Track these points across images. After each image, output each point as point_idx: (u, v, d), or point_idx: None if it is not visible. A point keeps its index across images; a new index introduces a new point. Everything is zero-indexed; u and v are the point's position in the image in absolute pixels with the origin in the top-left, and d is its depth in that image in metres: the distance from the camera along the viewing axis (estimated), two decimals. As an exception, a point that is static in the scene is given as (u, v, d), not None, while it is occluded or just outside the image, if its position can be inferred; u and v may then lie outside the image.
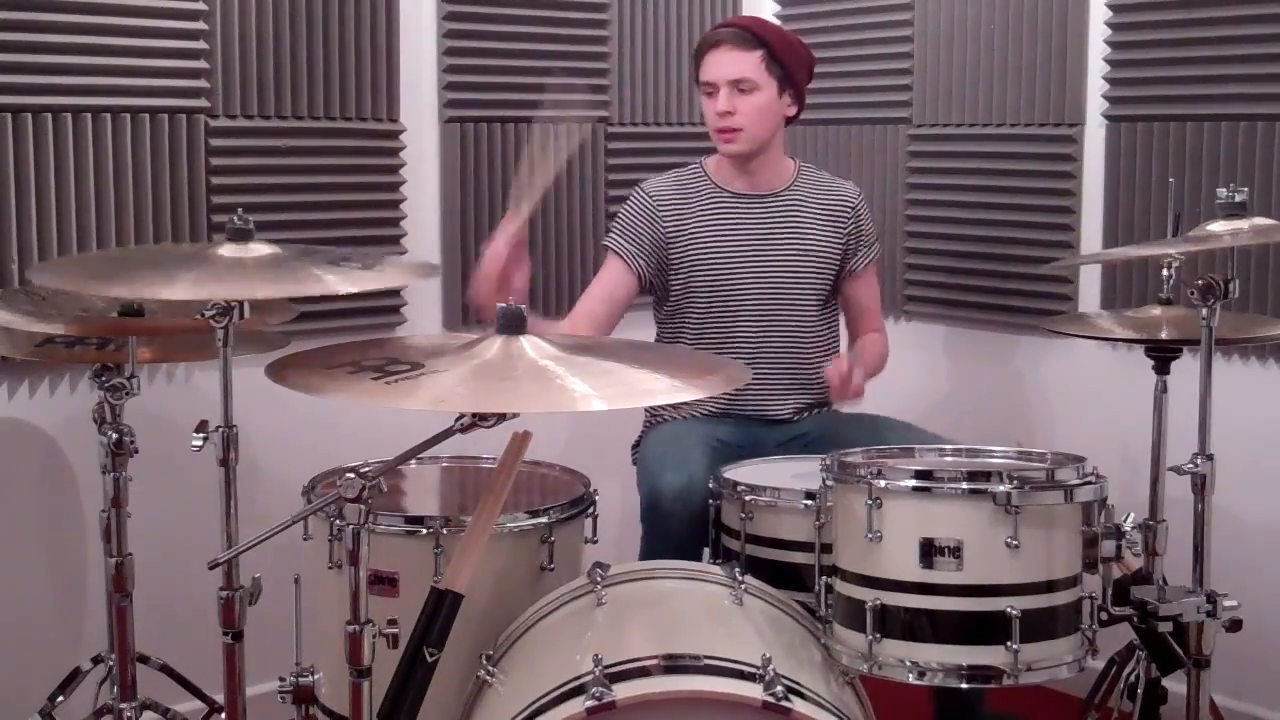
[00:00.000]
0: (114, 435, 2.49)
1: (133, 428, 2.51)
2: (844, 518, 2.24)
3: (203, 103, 3.13)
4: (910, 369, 3.65)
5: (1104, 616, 2.24)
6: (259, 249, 2.15)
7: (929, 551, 2.13)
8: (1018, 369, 3.69)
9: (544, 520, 2.47)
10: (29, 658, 2.98)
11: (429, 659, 1.96)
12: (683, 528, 2.66)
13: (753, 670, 1.97)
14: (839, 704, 2.06)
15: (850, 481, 2.21)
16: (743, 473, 2.66)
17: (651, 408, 3.09)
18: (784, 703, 1.91)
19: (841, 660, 2.20)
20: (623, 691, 1.93)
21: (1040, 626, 2.14)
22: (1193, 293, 2.29)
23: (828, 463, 2.31)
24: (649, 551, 2.70)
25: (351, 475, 1.86)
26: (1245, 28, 3.13)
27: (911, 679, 2.16)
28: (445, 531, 2.39)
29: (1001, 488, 2.11)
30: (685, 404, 3.01)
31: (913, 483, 2.17)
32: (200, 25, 3.11)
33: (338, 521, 2.05)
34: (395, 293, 3.46)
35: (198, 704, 2.90)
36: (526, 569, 2.45)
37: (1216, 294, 2.26)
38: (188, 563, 2.35)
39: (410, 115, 3.47)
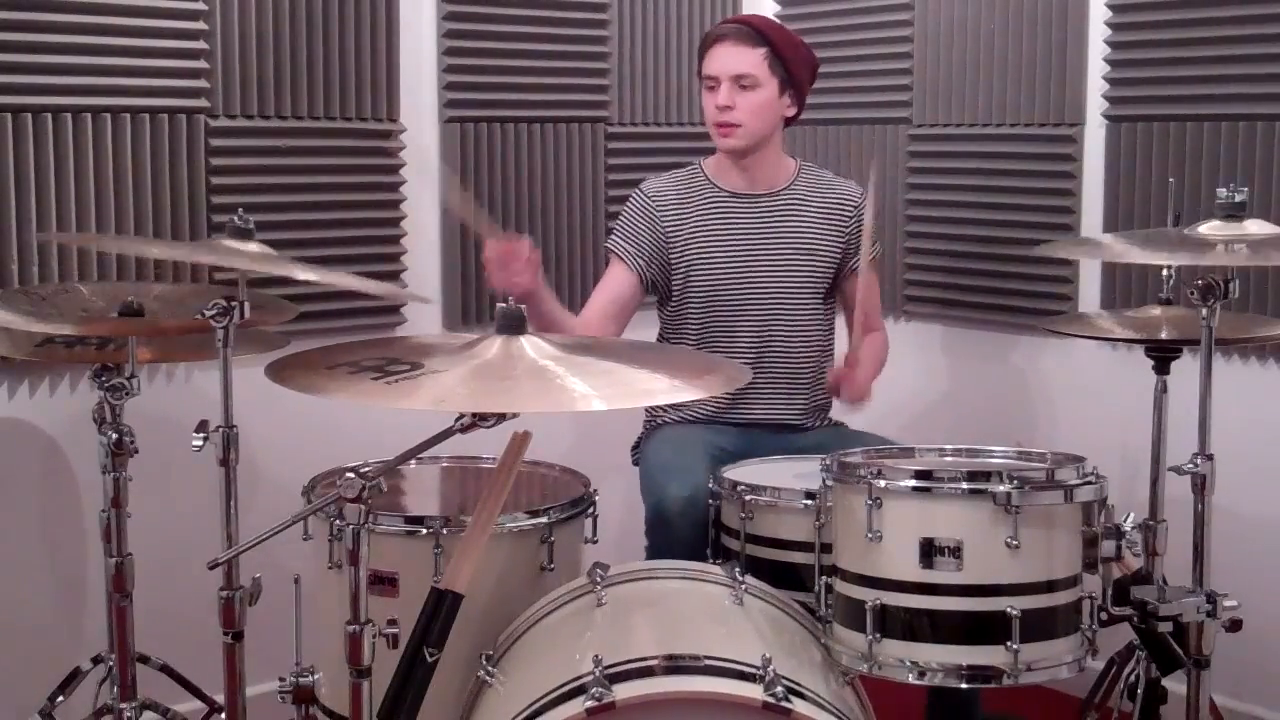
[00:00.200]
0: (114, 435, 2.49)
1: (133, 428, 2.51)
2: (844, 518, 2.24)
3: (203, 103, 3.13)
4: (910, 369, 3.65)
5: (1104, 616, 2.24)
6: (256, 248, 2.16)
7: (929, 551, 2.13)
8: (1017, 369, 3.69)
9: (544, 520, 2.47)
10: (29, 658, 2.98)
11: (429, 659, 1.96)
12: (688, 538, 2.67)
13: (753, 670, 1.97)
14: (839, 704, 2.06)
15: (850, 481, 2.22)
16: (743, 473, 2.66)
17: (651, 408, 3.09)
18: (784, 703, 1.91)
19: (841, 660, 2.20)
20: (623, 692, 1.93)
21: (1040, 626, 2.14)
22: (1192, 293, 2.29)
23: (828, 463, 2.31)
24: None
25: (351, 475, 1.86)
26: (1245, 28, 3.12)
27: (911, 679, 2.16)
28: (445, 531, 2.39)
29: (1001, 488, 2.12)
30: (685, 405, 3.01)
31: (913, 483, 2.17)
32: (200, 25, 3.11)
33: (338, 521, 2.05)
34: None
35: (198, 704, 2.90)
36: (526, 569, 2.45)
37: (1216, 294, 2.26)
38: (188, 563, 2.35)
39: (410, 115, 3.47)
